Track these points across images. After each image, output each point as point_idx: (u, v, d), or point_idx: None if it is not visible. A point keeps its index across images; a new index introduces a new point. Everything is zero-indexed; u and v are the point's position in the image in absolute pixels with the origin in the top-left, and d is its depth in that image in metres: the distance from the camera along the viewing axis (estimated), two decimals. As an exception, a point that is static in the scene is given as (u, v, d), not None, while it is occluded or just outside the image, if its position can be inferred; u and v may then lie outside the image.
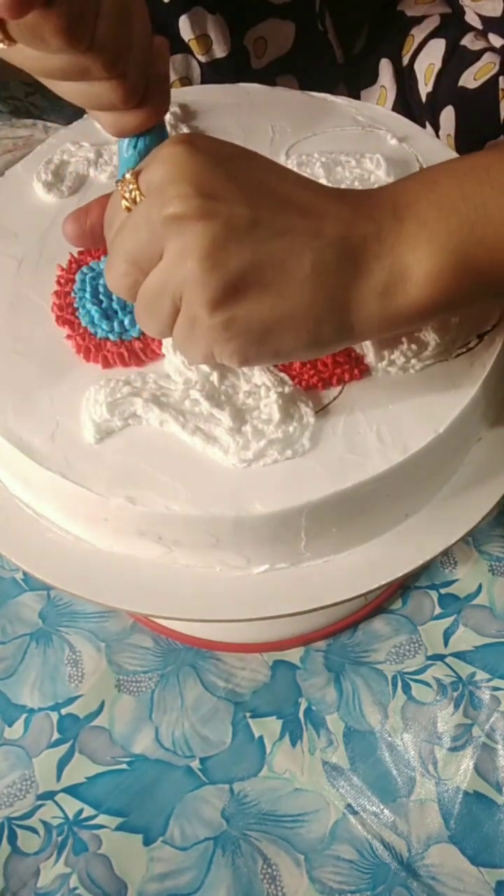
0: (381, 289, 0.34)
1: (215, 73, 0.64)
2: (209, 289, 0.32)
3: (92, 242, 0.40)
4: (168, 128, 0.50)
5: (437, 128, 0.67)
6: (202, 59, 0.63)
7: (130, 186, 0.34)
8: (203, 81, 0.64)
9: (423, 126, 0.68)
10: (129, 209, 0.34)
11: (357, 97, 0.73)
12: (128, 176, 0.35)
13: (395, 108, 0.71)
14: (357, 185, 0.48)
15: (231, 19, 0.62)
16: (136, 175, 0.34)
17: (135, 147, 0.37)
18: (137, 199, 0.34)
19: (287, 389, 0.40)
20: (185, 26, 0.61)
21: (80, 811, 0.51)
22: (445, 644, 0.56)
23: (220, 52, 0.63)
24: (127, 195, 0.34)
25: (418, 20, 0.69)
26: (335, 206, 0.34)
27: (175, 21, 0.61)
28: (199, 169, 0.32)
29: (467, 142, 0.65)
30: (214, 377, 0.40)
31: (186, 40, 0.62)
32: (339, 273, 0.34)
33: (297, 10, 0.65)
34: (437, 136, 0.67)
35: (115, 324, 0.42)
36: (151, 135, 0.37)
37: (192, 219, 0.32)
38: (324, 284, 0.33)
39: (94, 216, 0.39)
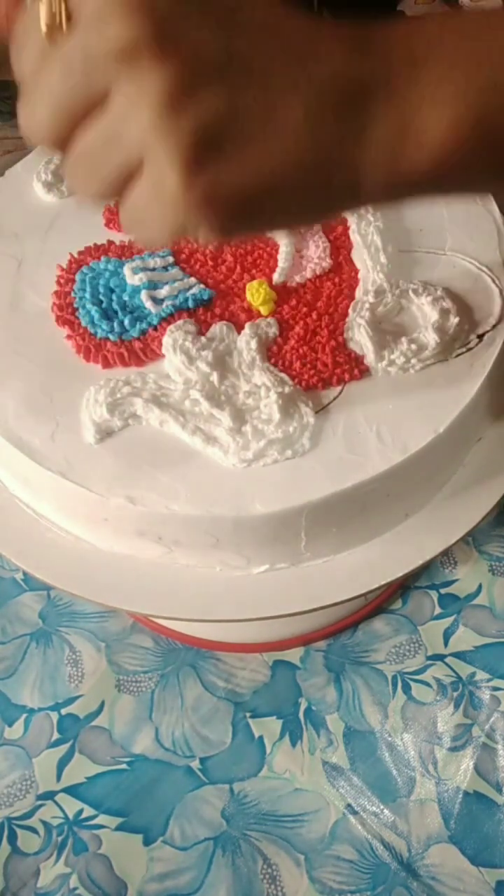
0: (389, 141, 0.28)
1: None
2: (179, 145, 0.25)
3: None
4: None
5: None
6: None
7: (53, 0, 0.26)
8: None
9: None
10: (49, 33, 0.26)
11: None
12: None
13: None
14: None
15: None
16: None
17: None
18: (62, 20, 0.26)
19: (287, 389, 0.40)
20: None
21: (80, 811, 0.51)
22: (445, 644, 0.56)
23: None
24: (47, 11, 0.26)
25: None
26: (333, 39, 0.28)
27: None
28: None
29: None
30: (214, 377, 0.40)
31: None
32: (339, 121, 0.27)
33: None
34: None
35: (115, 324, 0.42)
36: None
37: (147, 53, 0.25)
38: (320, 135, 0.27)
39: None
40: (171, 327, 0.42)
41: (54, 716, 0.54)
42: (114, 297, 0.43)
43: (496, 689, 0.54)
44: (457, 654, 0.55)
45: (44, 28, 0.26)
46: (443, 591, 0.58)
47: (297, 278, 0.44)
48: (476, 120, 0.28)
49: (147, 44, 0.25)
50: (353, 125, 0.28)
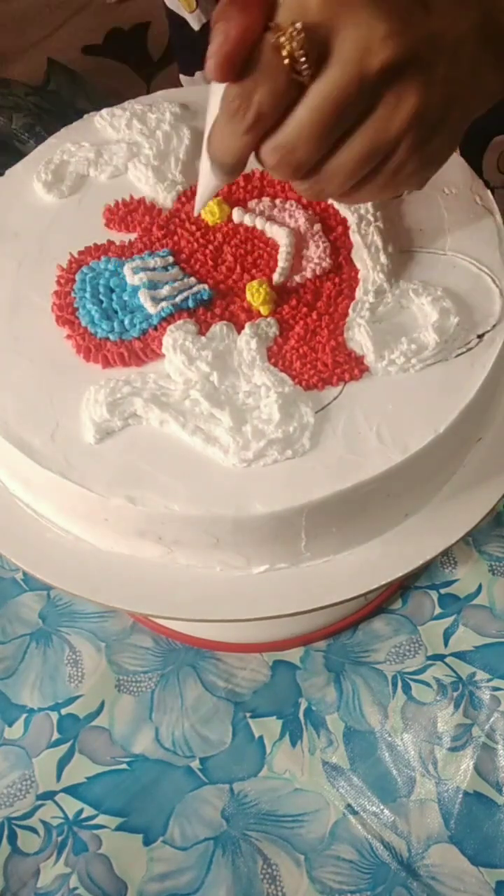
0: None
1: None
2: (423, 134, 0.32)
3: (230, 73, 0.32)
4: (168, 127, 0.51)
5: None
6: None
7: (297, 34, 0.30)
8: None
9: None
10: (292, 66, 0.30)
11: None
12: (292, 22, 0.30)
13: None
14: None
15: None
16: (303, 25, 0.30)
17: None
18: (306, 51, 0.30)
19: (287, 389, 0.40)
20: None
21: (80, 811, 0.51)
22: (445, 644, 0.56)
23: None
24: (292, 46, 0.30)
25: None
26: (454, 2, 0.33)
27: (205, 46, 0.61)
28: (375, 4, 0.30)
29: (473, 138, 0.65)
30: (214, 377, 0.40)
31: None
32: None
33: None
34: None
35: (115, 324, 0.42)
36: None
37: (402, 64, 0.31)
38: (482, 73, 0.34)
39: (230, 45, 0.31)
40: (171, 327, 0.42)
41: (54, 716, 0.54)
42: (114, 297, 0.43)
43: (496, 689, 0.54)
44: (457, 654, 0.55)
45: (286, 58, 0.30)
46: (443, 591, 0.58)
47: (297, 278, 0.44)
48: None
49: (404, 55, 0.30)
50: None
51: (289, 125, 0.31)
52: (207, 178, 0.37)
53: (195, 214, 0.42)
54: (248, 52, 0.31)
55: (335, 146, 0.33)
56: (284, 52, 0.30)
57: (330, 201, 0.47)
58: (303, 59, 0.30)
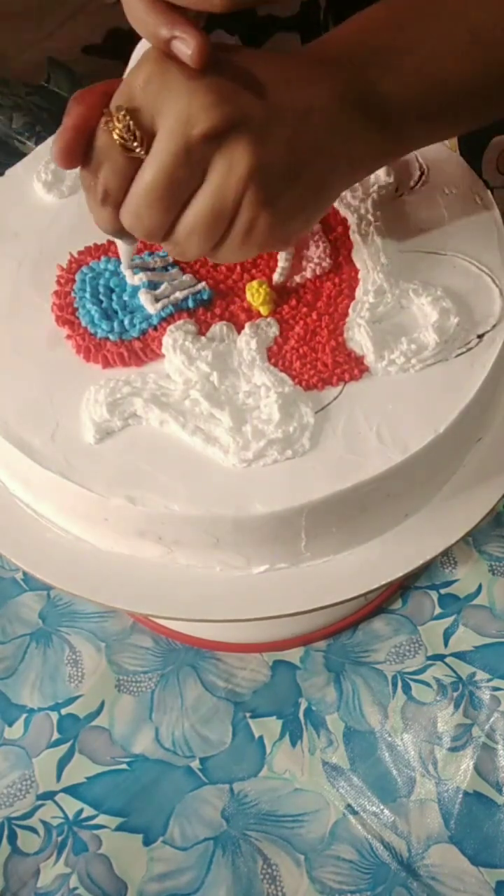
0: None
1: None
2: (267, 192, 0.34)
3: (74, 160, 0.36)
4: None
5: None
6: None
7: (124, 118, 0.33)
8: None
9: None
10: (123, 145, 0.34)
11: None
12: (117, 107, 0.34)
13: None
14: (357, 185, 0.47)
15: (245, 39, 0.63)
16: (128, 109, 0.34)
17: None
18: (133, 131, 0.34)
19: (287, 389, 0.40)
20: None
21: (80, 811, 0.51)
22: (445, 644, 0.56)
23: None
24: (120, 128, 0.34)
25: None
26: (314, 74, 0.36)
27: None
28: (196, 80, 0.33)
29: (472, 139, 0.65)
30: (214, 377, 0.40)
31: None
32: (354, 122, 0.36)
33: (302, 21, 0.66)
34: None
35: (115, 324, 0.42)
36: None
37: (226, 129, 0.33)
38: (344, 138, 0.36)
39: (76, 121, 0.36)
40: (171, 327, 0.42)
41: (54, 716, 0.54)
42: (114, 297, 0.43)
43: (496, 689, 0.54)
44: (457, 655, 0.55)
45: (117, 140, 0.34)
46: (443, 591, 0.58)
47: (297, 278, 0.44)
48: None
49: (224, 122, 0.33)
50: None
51: (131, 195, 0.35)
52: (118, 244, 0.42)
53: (125, 274, 0.44)
54: (87, 139, 0.35)
55: (181, 211, 0.35)
56: (115, 135, 0.34)
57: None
58: (132, 139, 0.34)
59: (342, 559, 0.42)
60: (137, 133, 0.34)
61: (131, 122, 0.33)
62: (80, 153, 0.35)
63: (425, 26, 0.39)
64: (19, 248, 0.46)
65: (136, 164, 0.34)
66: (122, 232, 0.37)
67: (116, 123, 0.34)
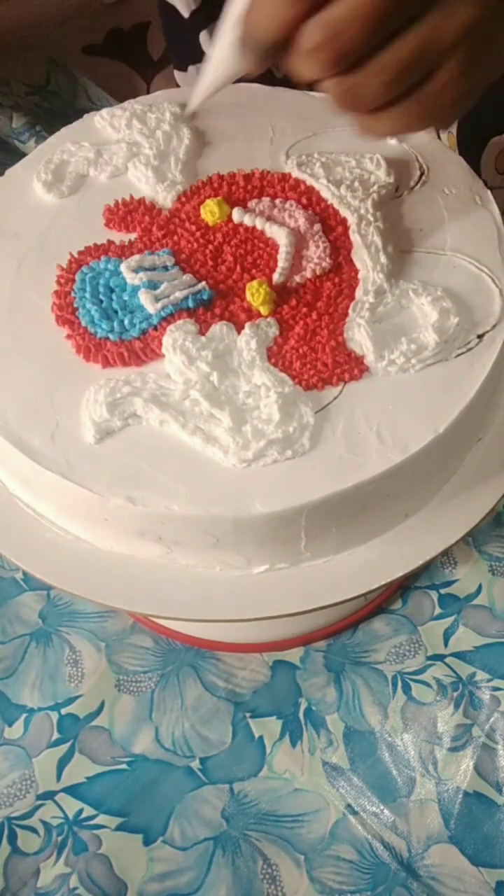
0: None
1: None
2: (476, 54, 0.31)
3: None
4: (168, 127, 0.51)
5: None
6: None
7: None
8: None
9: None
10: None
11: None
12: None
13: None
14: (357, 186, 0.48)
15: None
16: None
17: None
18: None
19: (287, 389, 0.40)
20: (205, 40, 0.61)
21: (80, 811, 0.51)
22: (445, 644, 0.56)
23: None
24: None
25: None
26: None
27: (196, 35, 0.61)
28: None
29: (470, 139, 0.65)
30: (214, 377, 0.40)
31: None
32: None
33: None
34: (438, 132, 0.67)
35: (115, 324, 0.42)
36: None
37: None
38: None
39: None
40: (171, 327, 0.42)
41: (54, 716, 0.54)
42: (114, 296, 0.43)
43: (496, 689, 0.54)
44: (457, 655, 0.55)
45: None
46: (443, 591, 0.58)
47: (297, 278, 0.44)
48: None
49: None
50: None
51: (333, 5, 0.29)
52: (226, 63, 0.34)
53: (190, 109, 0.40)
54: None
55: (384, 43, 0.31)
56: None
57: (329, 201, 0.47)
58: None
59: (342, 559, 0.42)
60: None
61: None
62: None
63: None
64: (19, 248, 0.46)
65: None
66: (272, 45, 0.31)
67: None
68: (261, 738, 0.53)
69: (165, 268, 0.44)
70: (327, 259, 0.45)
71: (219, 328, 0.42)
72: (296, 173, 0.49)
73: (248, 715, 0.54)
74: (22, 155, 0.52)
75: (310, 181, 0.48)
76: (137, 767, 0.52)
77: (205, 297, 0.43)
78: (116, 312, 0.43)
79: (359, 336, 0.42)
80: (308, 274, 0.44)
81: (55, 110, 0.78)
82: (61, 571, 0.41)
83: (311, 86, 0.34)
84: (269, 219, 0.46)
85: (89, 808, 0.51)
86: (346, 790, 0.51)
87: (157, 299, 0.43)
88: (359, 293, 0.43)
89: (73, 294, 0.44)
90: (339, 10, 0.29)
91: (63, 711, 0.54)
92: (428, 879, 0.48)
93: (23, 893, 0.48)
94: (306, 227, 0.46)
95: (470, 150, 0.65)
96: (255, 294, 0.43)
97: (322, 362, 0.41)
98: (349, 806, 0.50)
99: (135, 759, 0.52)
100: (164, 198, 0.48)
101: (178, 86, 0.74)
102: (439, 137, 0.66)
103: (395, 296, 0.43)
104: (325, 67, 0.31)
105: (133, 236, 0.46)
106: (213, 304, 0.43)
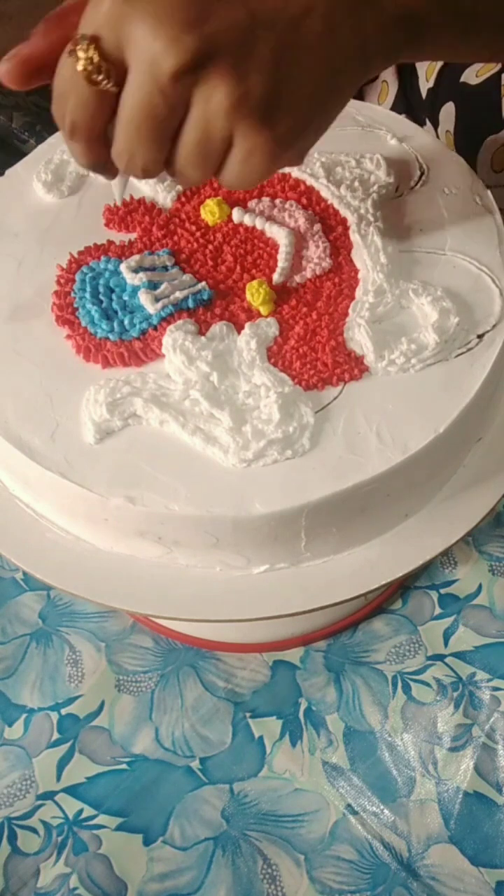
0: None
1: None
2: (258, 116, 0.31)
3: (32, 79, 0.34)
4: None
5: (436, 124, 0.67)
6: None
7: (87, 48, 0.30)
8: None
9: (423, 122, 0.68)
10: (89, 77, 0.31)
11: (360, 91, 0.73)
12: (81, 36, 0.31)
13: (395, 103, 0.71)
14: (357, 185, 0.48)
15: None
16: (91, 38, 0.31)
17: None
18: (98, 64, 0.31)
19: (287, 389, 0.40)
20: None
21: (80, 811, 0.51)
22: (445, 644, 0.56)
23: None
24: (84, 59, 0.31)
25: None
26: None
27: None
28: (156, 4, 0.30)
29: (466, 138, 0.65)
30: (214, 377, 0.40)
31: None
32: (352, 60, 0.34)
33: None
34: (437, 131, 0.67)
35: (115, 324, 0.42)
36: None
37: (197, 64, 0.30)
38: (339, 48, 0.33)
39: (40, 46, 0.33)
40: (171, 327, 0.42)
41: (54, 716, 0.54)
42: (114, 297, 0.43)
43: (496, 689, 0.54)
44: (457, 655, 0.55)
45: (82, 69, 0.31)
46: (443, 591, 0.58)
47: (297, 278, 0.44)
48: None
49: (194, 53, 0.30)
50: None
51: (117, 135, 0.33)
52: (102, 179, 0.39)
53: (116, 204, 0.44)
54: (46, 63, 0.33)
55: (175, 143, 0.33)
56: (79, 65, 0.31)
57: (329, 201, 0.47)
58: (96, 71, 0.31)
59: (342, 559, 0.42)
60: (103, 66, 0.31)
61: (95, 55, 0.31)
62: (27, 79, 0.33)
63: None
64: (19, 248, 0.46)
65: (105, 97, 0.32)
66: (97, 166, 0.35)
67: (80, 54, 0.31)
68: (261, 738, 0.53)
69: (165, 268, 0.44)
70: (327, 259, 0.45)
71: (219, 328, 0.42)
72: (296, 173, 0.49)
73: (248, 715, 0.54)
74: (22, 155, 0.52)
75: (310, 181, 0.48)
76: (137, 767, 0.52)
77: (205, 297, 0.43)
78: (116, 312, 0.43)
79: (359, 336, 0.42)
80: (308, 274, 0.44)
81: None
82: (61, 571, 0.41)
83: None
84: (269, 219, 0.46)
85: (89, 808, 0.51)
86: (346, 790, 0.51)
87: (156, 299, 0.43)
88: (359, 293, 0.43)
89: (73, 294, 0.44)
90: (120, 142, 0.33)
91: (63, 711, 0.54)
92: (428, 879, 0.48)
93: (23, 893, 0.48)
94: (306, 227, 0.46)
95: (466, 149, 0.65)
96: (255, 294, 0.43)
97: (322, 362, 0.41)
98: (349, 806, 0.50)
99: (135, 759, 0.52)
100: (165, 198, 0.48)
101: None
102: (438, 137, 0.66)
103: (395, 296, 0.43)
104: (147, 176, 0.34)
105: (133, 236, 0.46)
106: (213, 304, 0.43)
